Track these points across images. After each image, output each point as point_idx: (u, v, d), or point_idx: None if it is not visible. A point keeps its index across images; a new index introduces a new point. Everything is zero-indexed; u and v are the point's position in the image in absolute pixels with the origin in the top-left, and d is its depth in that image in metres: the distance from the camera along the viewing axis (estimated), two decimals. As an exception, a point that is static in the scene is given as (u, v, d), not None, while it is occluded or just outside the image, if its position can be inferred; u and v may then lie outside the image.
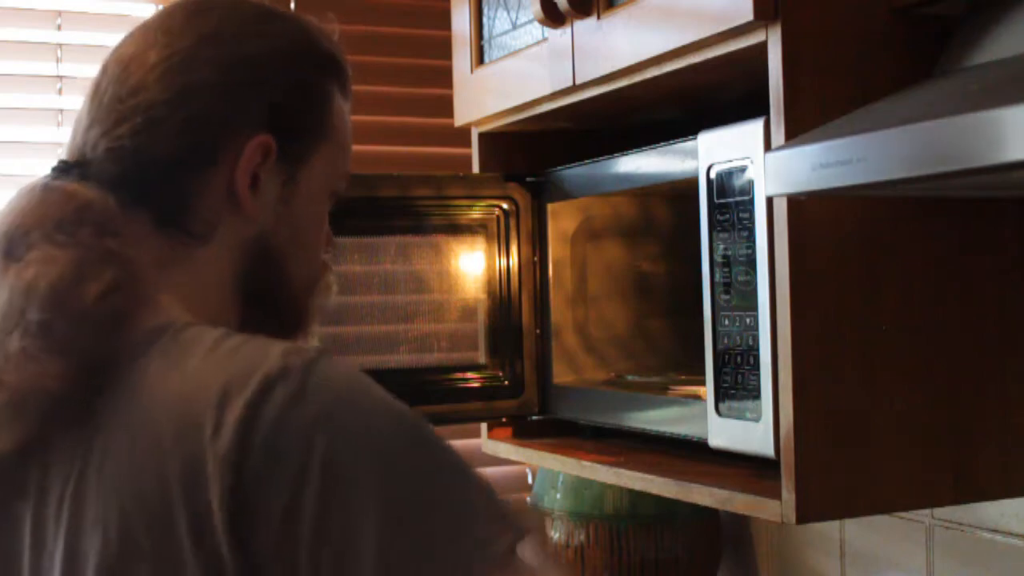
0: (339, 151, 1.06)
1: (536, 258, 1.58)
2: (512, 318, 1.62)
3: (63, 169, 0.98)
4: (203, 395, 0.85)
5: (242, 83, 0.98)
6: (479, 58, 1.60)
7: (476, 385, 1.63)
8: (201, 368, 0.88)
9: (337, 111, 1.05)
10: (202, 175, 0.98)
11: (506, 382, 1.63)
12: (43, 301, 0.89)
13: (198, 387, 0.86)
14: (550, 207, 1.55)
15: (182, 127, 0.96)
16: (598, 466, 1.39)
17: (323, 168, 1.04)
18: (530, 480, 2.23)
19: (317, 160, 1.03)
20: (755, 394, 1.14)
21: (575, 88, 1.38)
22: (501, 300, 1.63)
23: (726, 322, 1.18)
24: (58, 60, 1.98)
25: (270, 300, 1.04)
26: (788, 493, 1.08)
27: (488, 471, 2.22)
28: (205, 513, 0.82)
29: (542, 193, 1.56)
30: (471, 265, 1.61)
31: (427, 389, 1.60)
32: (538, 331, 1.58)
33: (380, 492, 0.82)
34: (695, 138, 1.23)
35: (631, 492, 1.67)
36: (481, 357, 1.64)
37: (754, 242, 1.14)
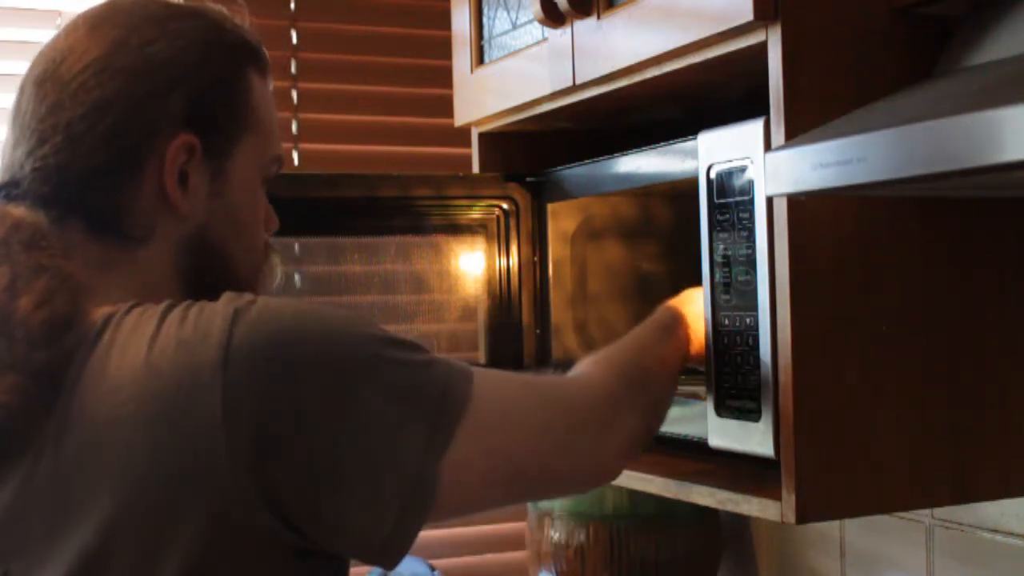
0: (265, 135, 1.07)
1: (536, 258, 1.58)
2: (512, 318, 1.62)
3: None
4: (175, 355, 0.90)
5: (155, 87, 1.00)
6: (479, 58, 1.60)
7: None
8: (163, 334, 0.92)
9: (258, 96, 1.07)
10: (130, 182, 1.00)
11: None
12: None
13: (165, 351, 0.91)
14: (550, 207, 1.55)
15: (102, 140, 0.99)
16: (598, 466, 1.39)
17: (251, 155, 1.06)
18: (530, 480, 2.23)
19: (244, 149, 1.05)
20: (755, 394, 1.14)
21: (575, 88, 1.38)
22: (501, 300, 1.63)
23: (726, 322, 1.18)
24: (58, 60, 1.98)
25: (215, 285, 1.03)
26: (788, 493, 1.08)
27: (488, 471, 2.23)
28: (223, 453, 0.88)
29: (542, 193, 1.56)
30: (471, 265, 1.61)
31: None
32: (538, 331, 1.58)
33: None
34: (695, 138, 1.23)
35: (631, 492, 1.67)
36: (481, 357, 1.64)
37: (754, 242, 1.14)
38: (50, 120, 1.00)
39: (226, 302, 0.93)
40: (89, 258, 1.00)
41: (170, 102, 1.00)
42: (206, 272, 1.05)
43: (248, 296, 0.95)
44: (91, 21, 1.03)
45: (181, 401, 0.88)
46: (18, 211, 0.99)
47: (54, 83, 1.00)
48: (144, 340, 0.92)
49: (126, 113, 0.99)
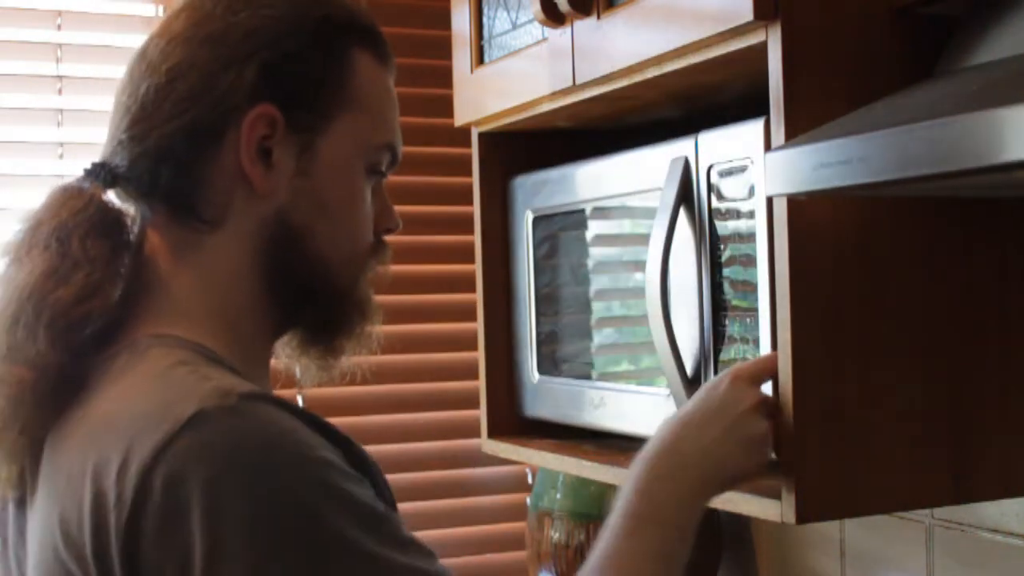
0: (370, 119, 1.01)
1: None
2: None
3: (88, 170, 0.99)
4: (118, 433, 0.84)
5: (232, 56, 0.95)
6: (479, 58, 1.60)
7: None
8: (128, 397, 0.87)
9: (364, 77, 1.01)
10: (205, 155, 0.95)
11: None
12: (23, 303, 0.91)
13: (116, 421, 0.86)
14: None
15: (175, 109, 0.94)
16: (598, 466, 1.39)
17: (349, 136, 0.99)
18: (530, 480, 2.24)
19: (340, 127, 0.98)
20: (755, 394, 1.14)
21: (575, 88, 1.38)
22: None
23: (726, 322, 1.18)
24: (58, 60, 1.98)
25: (301, 283, 0.99)
26: (788, 493, 1.08)
27: (488, 471, 2.23)
28: (105, 553, 0.82)
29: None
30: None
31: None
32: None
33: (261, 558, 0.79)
34: (695, 138, 1.23)
35: (631, 492, 1.67)
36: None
37: (754, 242, 1.14)
38: (131, 91, 0.96)
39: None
40: (168, 242, 0.97)
41: (245, 71, 0.94)
42: (288, 265, 0.98)
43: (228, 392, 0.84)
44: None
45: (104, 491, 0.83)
46: (90, 193, 0.96)
47: (141, 56, 0.98)
48: (119, 395, 0.88)
49: (201, 80, 0.94)
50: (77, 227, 0.94)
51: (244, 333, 0.98)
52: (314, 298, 1.01)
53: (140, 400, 0.86)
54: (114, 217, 0.97)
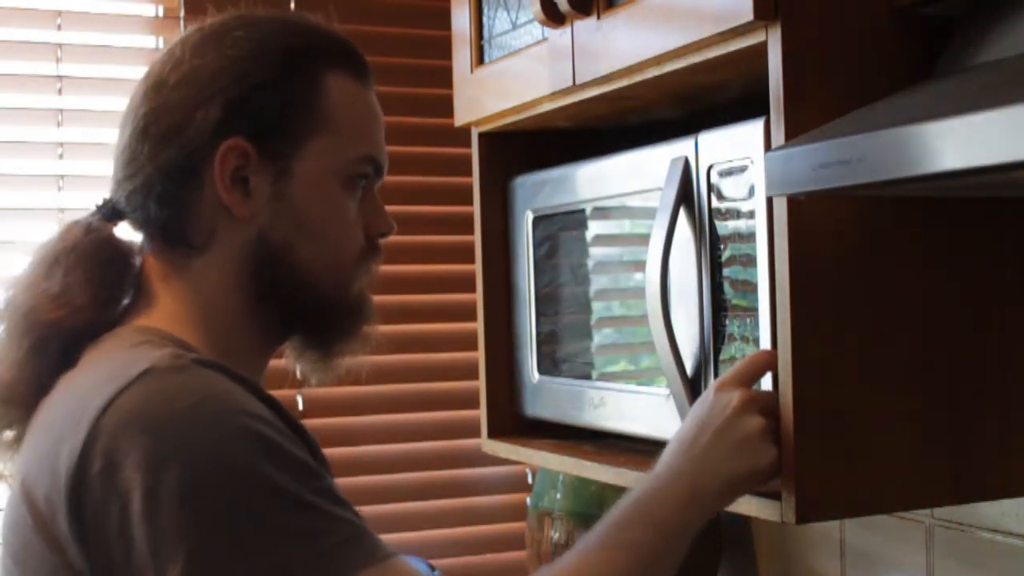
0: (344, 137, 1.07)
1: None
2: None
3: (97, 206, 1.09)
4: (78, 394, 0.94)
5: (198, 98, 1.02)
6: (479, 58, 1.60)
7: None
8: (94, 367, 0.97)
9: (335, 97, 1.06)
10: (188, 189, 1.03)
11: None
12: (19, 320, 1.02)
13: (79, 385, 0.96)
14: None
15: (151, 152, 1.03)
16: (598, 466, 1.39)
17: (322, 156, 1.05)
18: (530, 480, 2.24)
19: (314, 149, 1.05)
20: (755, 394, 1.14)
21: (575, 88, 1.38)
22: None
23: (726, 322, 1.18)
24: (58, 60, 1.98)
25: (288, 297, 1.06)
26: (788, 493, 1.08)
27: (488, 471, 2.23)
28: (56, 495, 0.90)
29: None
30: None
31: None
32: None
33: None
34: (695, 138, 1.23)
35: (631, 492, 1.67)
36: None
37: (754, 242, 1.14)
38: (121, 134, 1.06)
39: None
40: (161, 268, 1.05)
41: (211, 110, 1.01)
42: (273, 282, 1.05)
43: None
44: (169, 44, 1.08)
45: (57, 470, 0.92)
46: (94, 227, 1.06)
47: (129, 101, 1.07)
48: (73, 381, 0.99)
49: (172, 123, 1.02)
50: (80, 257, 1.03)
51: (233, 346, 1.05)
52: (303, 309, 1.08)
53: (103, 367, 0.95)
54: (114, 246, 1.06)
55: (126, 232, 1.09)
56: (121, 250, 1.07)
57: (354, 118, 1.08)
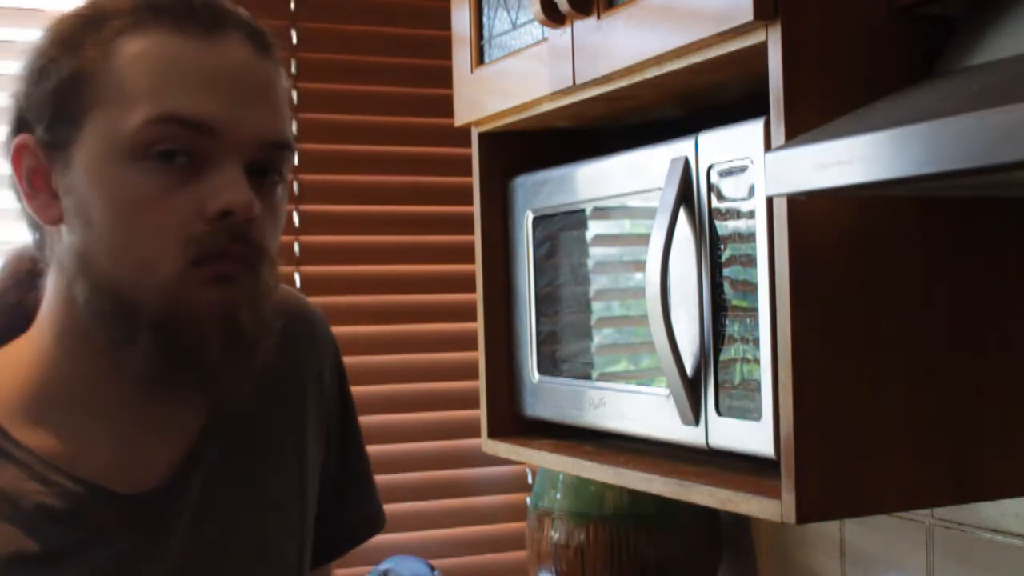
0: (124, 101, 0.88)
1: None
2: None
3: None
4: None
5: (10, 105, 0.95)
6: (479, 58, 1.60)
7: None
8: None
9: (125, 60, 0.88)
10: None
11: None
12: None
13: None
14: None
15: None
16: (598, 466, 1.39)
17: (100, 132, 0.88)
18: (530, 480, 2.24)
19: (89, 130, 0.88)
20: (755, 394, 1.14)
21: (575, 88, 1.38)
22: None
23: (726, 322, 1.18)
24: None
25: (111, 319, 0.90)
26: (788, 493, 1.08)
27: (488, 471, 2.23)
28: None
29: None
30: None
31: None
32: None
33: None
34: (695, 138, 1.23)
35: (631, 492, 1.67)
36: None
37: (754, 242, 1.14)
38: None
39: None
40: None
41: (10, 114, 0.94)
42: (88, 300, 0.90)
43: None
44: None
45: None
46: (27, 255, 1.02)
47: None
48: None
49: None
50: (5, 281, 1.02)
51: (78, 376, 0.93)
52: (132, 330, 0.89)
53: None
54: (30, 269, 1.01)
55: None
56: (29, 270, 1.01)
57: (139, 76, 0.87)
